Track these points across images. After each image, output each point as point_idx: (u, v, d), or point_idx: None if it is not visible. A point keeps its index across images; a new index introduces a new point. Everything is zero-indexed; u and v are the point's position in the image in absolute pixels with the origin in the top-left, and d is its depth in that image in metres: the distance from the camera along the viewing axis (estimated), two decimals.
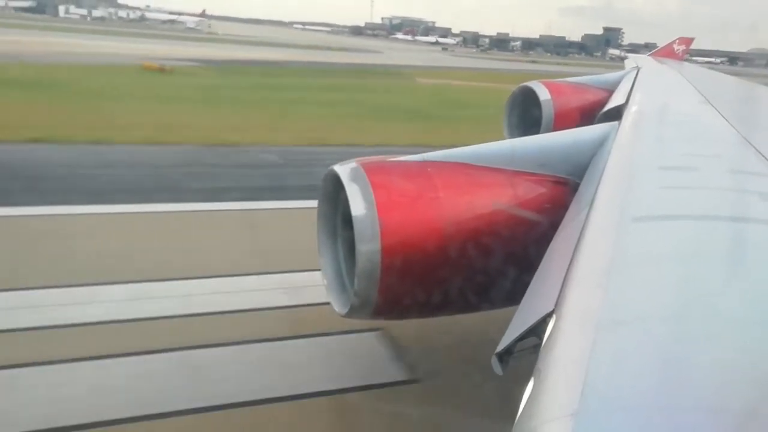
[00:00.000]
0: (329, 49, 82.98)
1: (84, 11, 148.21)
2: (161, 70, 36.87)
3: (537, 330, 2.25)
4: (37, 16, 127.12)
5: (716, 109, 6.15)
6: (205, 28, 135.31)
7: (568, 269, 2.40)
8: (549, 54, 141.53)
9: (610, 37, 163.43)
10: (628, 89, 8.13)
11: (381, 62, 61.33)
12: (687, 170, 3.68)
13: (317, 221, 5.26)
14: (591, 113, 9.00)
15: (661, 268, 2.34)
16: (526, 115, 10.83)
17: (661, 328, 1.91)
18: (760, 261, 2.46)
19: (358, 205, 4.41)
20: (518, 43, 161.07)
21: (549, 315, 2.16)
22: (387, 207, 4.42)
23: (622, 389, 1.57)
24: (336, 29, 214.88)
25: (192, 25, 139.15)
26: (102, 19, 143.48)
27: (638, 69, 11.51)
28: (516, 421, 1.63)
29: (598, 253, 2.52)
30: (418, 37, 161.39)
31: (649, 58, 18.11)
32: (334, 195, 4.95)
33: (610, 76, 12.01)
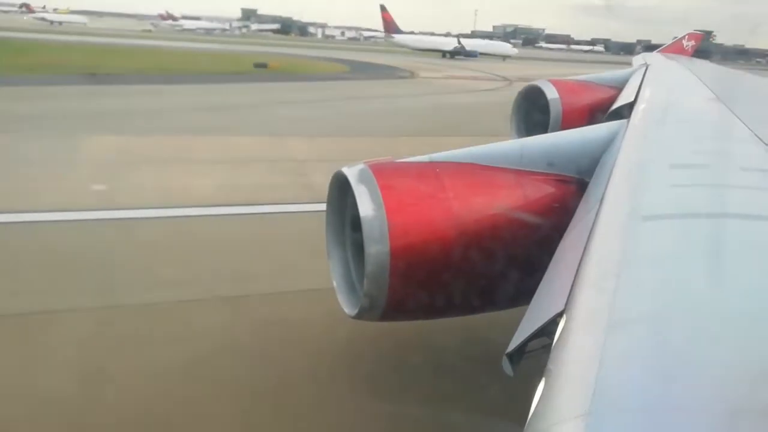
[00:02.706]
0: None
1: (336, 32, 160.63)
2: None
3: (547, 330, 2.24)
4: (282, 37, 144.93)
5: (726, 105, 6.10)
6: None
7: (578, 268, 2.39)
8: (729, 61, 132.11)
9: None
10: (637, 87, 8.08)
11: None
12: (697, 168, 3.65)
13: (325, 223, 5.27)
14: (599, 111, 8.97)
15: (673, 267, 2.33)
16: (534, 113, 10.79)
17: (674, 328, 1.89)
18: None
19: (366, 207, 4.41)
20: None
21: (559, 315, 2.15)
22: (395, 208, 4.42)
23: (635, 389, 1.56)
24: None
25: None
26: (357, 39, 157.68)
27: (647, 66, 11.44)
28: (527, 422, 1.62)
29: (608, 252, 2.50)
30: (573, 46, 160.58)
31: (658, 54, 17.99)
32: (342, 197, 4.97)
33: (619, 73, 11.94)
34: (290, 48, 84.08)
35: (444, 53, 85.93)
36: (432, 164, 4.78)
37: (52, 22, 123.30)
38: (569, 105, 10.45)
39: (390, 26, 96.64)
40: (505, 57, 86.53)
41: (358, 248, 4.63)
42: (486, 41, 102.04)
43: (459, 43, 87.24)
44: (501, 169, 4.83)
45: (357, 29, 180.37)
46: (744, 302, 2.04)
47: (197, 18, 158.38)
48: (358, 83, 42.23)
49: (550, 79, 11.16)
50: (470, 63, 76.00)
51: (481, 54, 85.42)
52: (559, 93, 10.52)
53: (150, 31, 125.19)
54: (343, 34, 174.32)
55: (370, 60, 66.43)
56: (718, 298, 2.07)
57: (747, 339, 1.82)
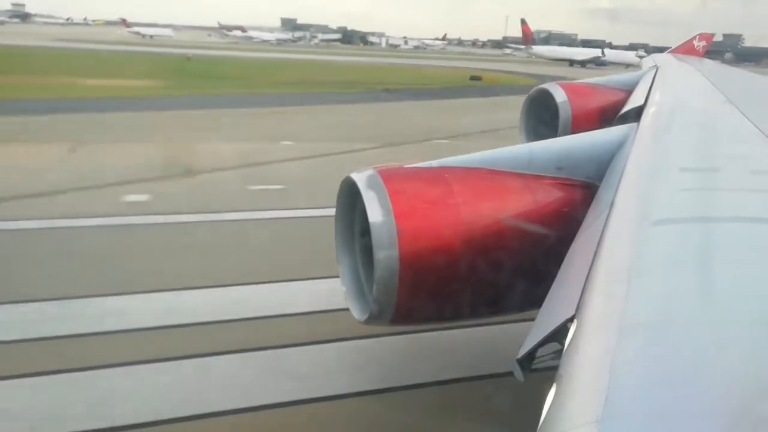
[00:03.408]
0: None
1: (400, 42, 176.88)
2: None
3: (558, 335, 2.24)
4: (352, 46, 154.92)
5: (738, 107, 6.05)
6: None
7: (588, 273, 2.38)
8: None
9: (731, 42, 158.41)
10: (647, 89, 8.03)
11: None
12: (708, 171, 3.63)
13: (335, 229, 5.28)
14: (609, 115, 8.91)
15: (684, 272, 2.31)
16: (543, 117, 10.75)
17: (685, 333, 1.88)
18: None
19: (375, 213, 4.42)
20: None
21: (570, 320, 2.14)
22: (404, 214, 4.42)
23: (647, 395, 1.56)
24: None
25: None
26: (422, 48, 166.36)
27: (657, 68, 11.38)
28: (539, 428, 1.62)
29: (619, 256, 2.49)
30: (626, 52, 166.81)
31: (669, 55, 17.88)
32: (351, 202, 4.98)
33: (628, 76, 11.88)
34: (411, 59, 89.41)
35: (572, 62, 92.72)
36: (441, 169, 4.79)
37: (144, 36, 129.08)
38: (578, 108, 10.39)
39: (528, 39, 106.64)
40: (628, 65, 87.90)
41: (368, 254, 4.64)
42: (614, 51, 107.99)
43: (603, 53, 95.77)
44: (510, 173, 4.82)
45: (418, 39, 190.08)
46: (755, 308, 2.03)
47: (242, 28, 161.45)
48: None
49: (558, 82, 11.12)
50: (606, 71, 76.87)
51: (609, 63, 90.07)
52: (568, 96, 10.47)
53: (237, 42, 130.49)
54: (406, 42, 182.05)
55: (522, 70, 69.58)
56: (729, 303, 2.06)
57: (759, 344, 1.80)
